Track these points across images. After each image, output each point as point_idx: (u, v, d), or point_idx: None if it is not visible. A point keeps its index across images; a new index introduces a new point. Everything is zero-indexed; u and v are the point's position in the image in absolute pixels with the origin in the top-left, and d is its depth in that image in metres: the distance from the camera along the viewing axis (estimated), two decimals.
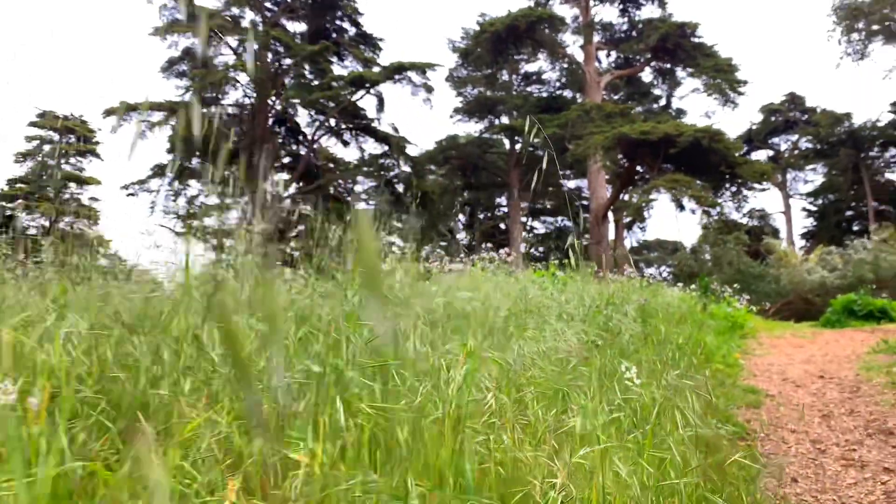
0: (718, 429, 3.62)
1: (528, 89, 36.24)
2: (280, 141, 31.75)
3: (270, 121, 30.41)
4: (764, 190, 33.37)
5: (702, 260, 24.81)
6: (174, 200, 30.40)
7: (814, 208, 37.80)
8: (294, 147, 32.70)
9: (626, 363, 3.19)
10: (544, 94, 35.33)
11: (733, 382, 6.20)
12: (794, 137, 37.29)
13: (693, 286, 13.44)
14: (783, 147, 38.11)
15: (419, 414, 1.88)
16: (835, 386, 6.46)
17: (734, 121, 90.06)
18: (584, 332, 3.72)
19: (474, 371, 2.07)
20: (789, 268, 23.26)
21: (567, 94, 34.86)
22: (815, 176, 37.70)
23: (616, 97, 33.34)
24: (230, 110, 30.12)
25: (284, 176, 32.20)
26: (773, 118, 37.29)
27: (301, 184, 31.12)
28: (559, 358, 2.97)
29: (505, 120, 35.03)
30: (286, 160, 32.41)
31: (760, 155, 36.79)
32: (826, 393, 6.17)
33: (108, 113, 27.89)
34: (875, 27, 29.34)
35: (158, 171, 30.08)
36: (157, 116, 28.22)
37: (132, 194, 30.43)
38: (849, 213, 36.19)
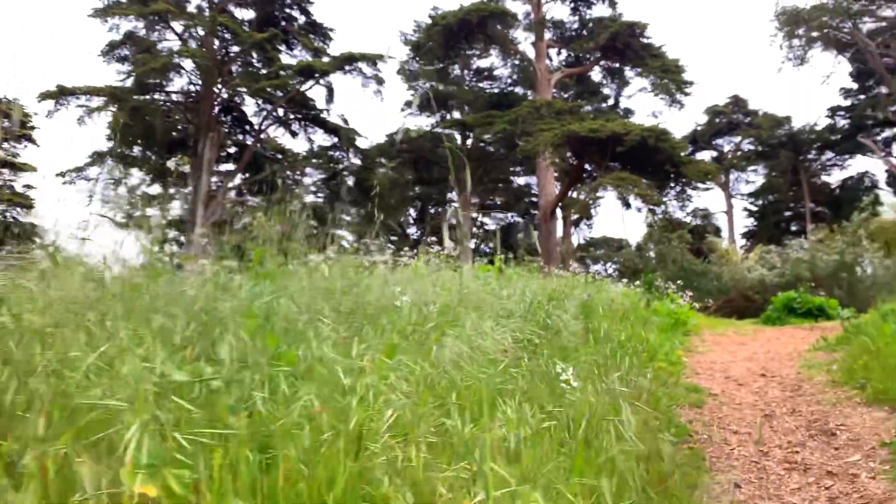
0: (660, 433, 3.43)
1: (480, 85, 36.09)
2: (226, 130, 30.74)
3: (216, 109, 29.36)
4: (707, 189, 34.13)
5: (647, 257, 25.10)
6: (114, 189, 29.10)
7: (754, 208, 38.81)
8: (240, 137, 31.73)
9: (563, 364, 2.95)
10: (496, 91, 35.24)
11: (676, 381, 6.07)
12: (737, 139, 38.19)
13: (637, 282, 13.45)
14: (726, 148, 39.01)
15: (309, 430, 1.57)
16: (777, 384, 6.41)
17: (680, 121, 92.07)
18: (520, 330, 3.46)
19: (382, 378, 1.77)
20: (731, 266, 23.71)
21: (518, 90, 34.84)
22: (756, 177, 38.73)
23: (566, 95, 33.48)
24: (174, 97, 29.03)
25: (230, 166, 31.24)
26: (717, 120, 38.10)
27: (247, 175, 30.24)
28: (489, 359, 2.69)
29: (456, 115, 34.80)
30: (232, 150, 31.46)
31: (705, 155, 37.53)
32: (768, 392, 6.11)
33: (44, 97, 26.44)
34: (814, 34, 30.17)
35: (97, 158, 28.80)
36: (97, 102, 26.97)
37: (69, 182, 28.98)
38: (787, 213, 37.26)
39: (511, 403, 2.21)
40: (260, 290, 2.41)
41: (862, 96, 32.52)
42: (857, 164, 41.03)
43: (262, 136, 30.39)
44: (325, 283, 3.32)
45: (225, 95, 29.54)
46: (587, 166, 25.24)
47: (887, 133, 32.07)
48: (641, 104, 72.88)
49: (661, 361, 6.58)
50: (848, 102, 33.36)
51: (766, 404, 5.61)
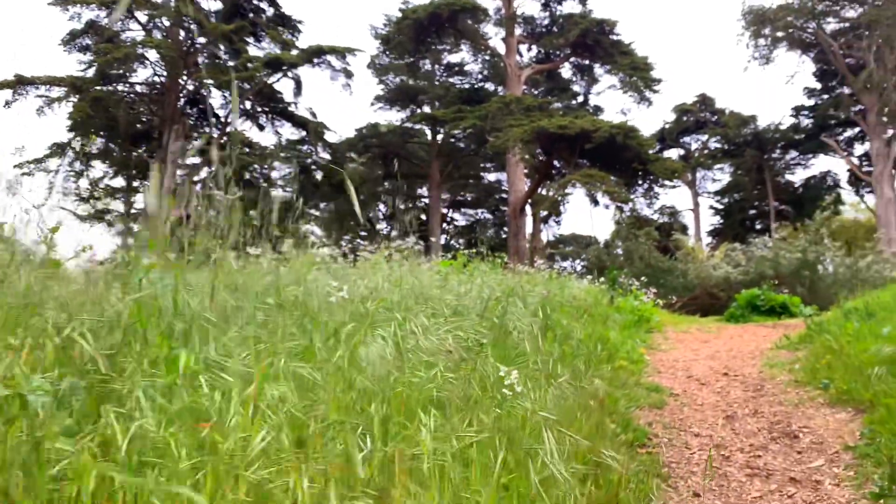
0: (615, 438, 3.21)
1: (451, 80, 35.84)
2: (191, 123, 30.07)
3: (181, 101, 28.68)
4: (675, 187, 34.41)
5: (614, 254, 25.11)
6: (75, 181, 28.42)
7: (720, 206, 39.18)
8: (206, 129, 31.06)
9: (506, 368, 2.71)
10: (466, 86, 35.02)
11: (636, 381, 5.88)
12: (704, 137, 38.48)
13: (602, 279, 13.31)
14: (693, 146, 39.30)
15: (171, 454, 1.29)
16: (739, 384, 6.26)
17: (648, 119, 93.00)
18: (467, 329, 3.20)
19: (261, 392, 1.49)
20: (696, 263, 23.80)
21: (489, 86, 34.68)
22: (722, 175, 39.06)
23: (536, 91, 33.39)
24: (138, 88, 28.26)
25: (196, 159, 30.48)
26: (685, 118, 38.33)
27: (212, 168, 29.57)
28: (424, 361, 2.43)
29: (427, 109, 34.52)
30: (197, 143, 30.80)
31: (672, 153, 37.72)
32: (730, 392, 5.95)
33: (2, 86, 25.48)
34: (780, 34, 30.53)
35: (57, 149, 27.95)
36: (57, 92, 26.11)
37: (27, 174, 28.07)
38: (752, 211, 37.66)
39: (438, 414, 1.95)
40: (152, 285, 2.11)
41: (825, 96, 33.00)
42: (820, 164, 41.80)
43: (228, 128, 29.77)
44: (249, 279, 3.02)
45: (191, 87, 28.87)
46: (556, 163, 25.17)
47: (849, 133, 32.65)
48: (610, 101, 73.62)
49: (623, 360, 6.39)
50: (811, 102, 33.84)
51: (727, 405, 5.44)
